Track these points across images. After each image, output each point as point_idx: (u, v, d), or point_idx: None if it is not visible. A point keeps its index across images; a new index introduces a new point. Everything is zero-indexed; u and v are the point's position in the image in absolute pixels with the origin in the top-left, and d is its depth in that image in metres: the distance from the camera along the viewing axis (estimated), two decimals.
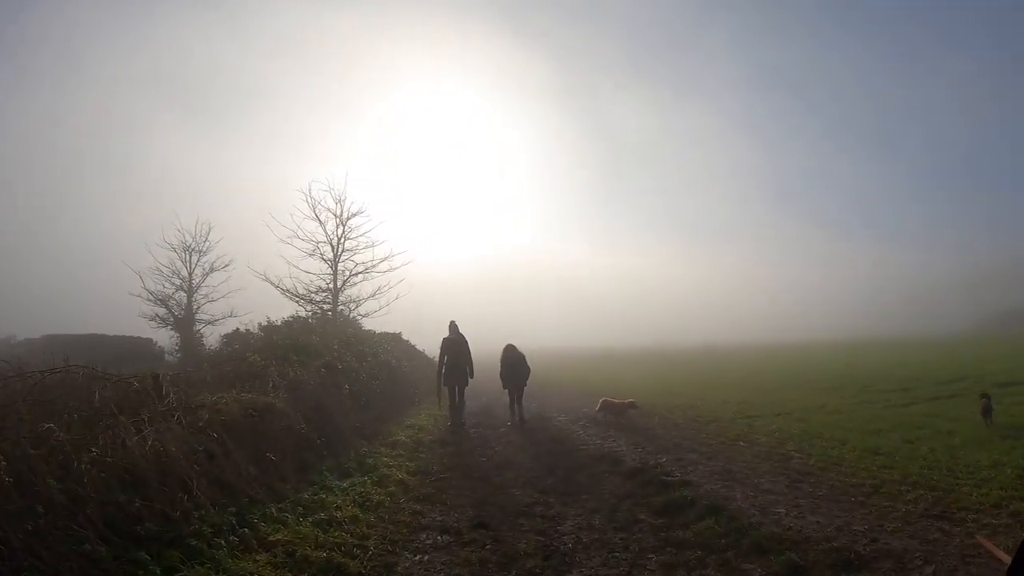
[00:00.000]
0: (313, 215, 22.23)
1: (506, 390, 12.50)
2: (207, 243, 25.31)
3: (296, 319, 21.95)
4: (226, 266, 25.21)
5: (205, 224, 25.37)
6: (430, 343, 14.42)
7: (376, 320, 23.27)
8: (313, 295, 23.13)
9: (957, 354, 26.91)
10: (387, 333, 19.48)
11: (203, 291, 25.39)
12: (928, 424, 10.19)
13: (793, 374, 21.51)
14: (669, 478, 6.85)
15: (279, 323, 20.63)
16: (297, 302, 22.87)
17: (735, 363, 31.88)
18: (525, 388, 12.70)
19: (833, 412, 12.02)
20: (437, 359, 12.17)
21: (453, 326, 12.03)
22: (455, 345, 11.86)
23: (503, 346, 12.94)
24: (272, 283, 22.10)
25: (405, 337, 23.86)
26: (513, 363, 12.44)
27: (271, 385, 8.66)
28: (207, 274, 25.42)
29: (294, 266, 22.07)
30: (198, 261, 25.32)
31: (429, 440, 10.36)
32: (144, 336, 24.91)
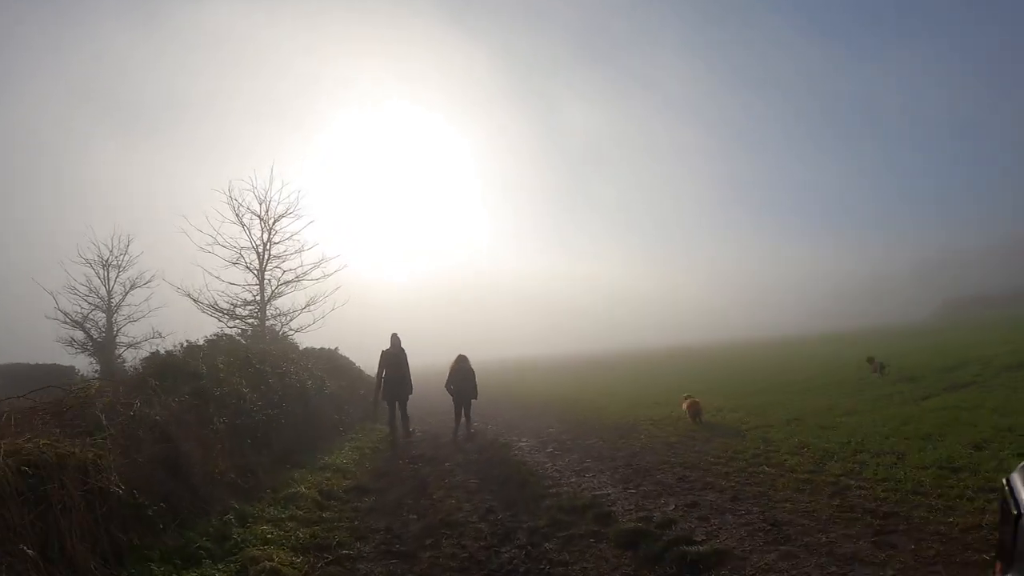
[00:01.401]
0: (236, 218, 19.12)
1: (454, 405, 11.89)
2: (126, 257, 22.59)
3: (221, 337, 18.86)
4: (148, 282, 22.51)
5: (124, 236, 22.58)
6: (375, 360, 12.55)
7: (312, 335, 20.34)
8: (238, 309, 20.02)
9: (939, 341, 25.69)
10: (313, 349, 16.65)
11: (124, 311, 22.76)
12: (978, 420, 8.18)
13: (777, 372, 19.47)
14: (692, 547, 4.31)
15: (202, 343, 17.59)
16: (219, 318, 19.72)
17: (707, 364, 29.99)
18: (474, 402, 12.11)
19: (851, 413, 9.86)
20: (376, 374, 11.42)
21: (394, 338, 11.33)
22: (394, 358, 11.10)
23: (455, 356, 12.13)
24: (192, 297, 18.90)
25: (344, 353, 21.19)
26: (462, 375, 11.74)
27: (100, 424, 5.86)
28: (128, 291, 22.79)
29: (215, 277, 18.92)
30: (117, 277, 22.64)
31: (345, 488, 7.59)
32: (66, 364, 22.20)
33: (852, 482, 5.81)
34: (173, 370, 8.26)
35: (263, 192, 19.30)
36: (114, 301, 22.65)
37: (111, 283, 22.56)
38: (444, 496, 6.86)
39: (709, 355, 38.41)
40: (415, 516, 6.20)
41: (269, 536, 5.55)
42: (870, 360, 15.18)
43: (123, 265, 22.53)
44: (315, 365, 12.81)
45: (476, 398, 11.97)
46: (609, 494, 6.06)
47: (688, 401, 11.00)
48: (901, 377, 13.95)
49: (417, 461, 9.27)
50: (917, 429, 7.95)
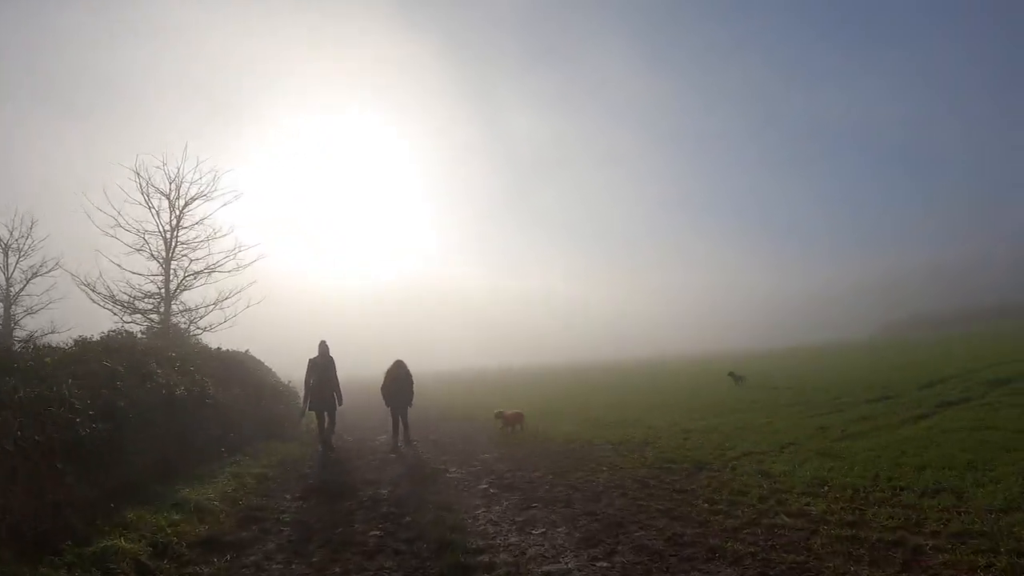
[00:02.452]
0: (143, 198, 16.30)
1: (390, 414, 11.44)
2: (29, 241, 20.09)
3: (119, 334, 15.88)
4: (51, 271, 19.99)
5: (27, 217, 20.09)
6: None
7: (226, 335, 17.65)
8: (138, 302, 17.09)
9: (906, 357, 25.22)
10: (210, 349, 14.14)
11: (24, 301, 20.38)
12: (1012, 443, 6.84)
13: (742, 390, 17.97)
14: None
15: (96, 339, 14.70)
16: (115, 311, 16.76)
17: (661, 378, 28.56)
18: (410, 408, 11.47)
19: (850, 437, 8.26)
20: (303, 382, 10.92)
21: (323, 346, 10.86)
22: (321, 368, 10.61)
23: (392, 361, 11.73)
24: (88, 286, 16.03)
25: (260, 356, 18.60)
26: (399, 379, 11.30)
27: None
28: (29, 280, 20.41)
29: (116, 264, 16.11)
30: (17, 263, 20.19)
31: (193, 539, 5.22)
32: None
33: (921, 540, 4.01)
34: None
35: (174, 171, 16.63)
36: (13, 290, 20.11)
37: (11, 270, 20.08)
38: (328, 560, 4.65)
39: (663, 369, 37.23)
40: None
41: None
42: (731, 374, 18.24)
43: (24, 250, 20.08)
44: (202, 367, 10.28)
45: (412, 405, 11.47)
46: (569, 570, 3.96)
47: (510, 413, 11.81)
48: (878, 396, 12.67)
49: (310, 496, 6.98)
50: (947, 457, 6.37)
